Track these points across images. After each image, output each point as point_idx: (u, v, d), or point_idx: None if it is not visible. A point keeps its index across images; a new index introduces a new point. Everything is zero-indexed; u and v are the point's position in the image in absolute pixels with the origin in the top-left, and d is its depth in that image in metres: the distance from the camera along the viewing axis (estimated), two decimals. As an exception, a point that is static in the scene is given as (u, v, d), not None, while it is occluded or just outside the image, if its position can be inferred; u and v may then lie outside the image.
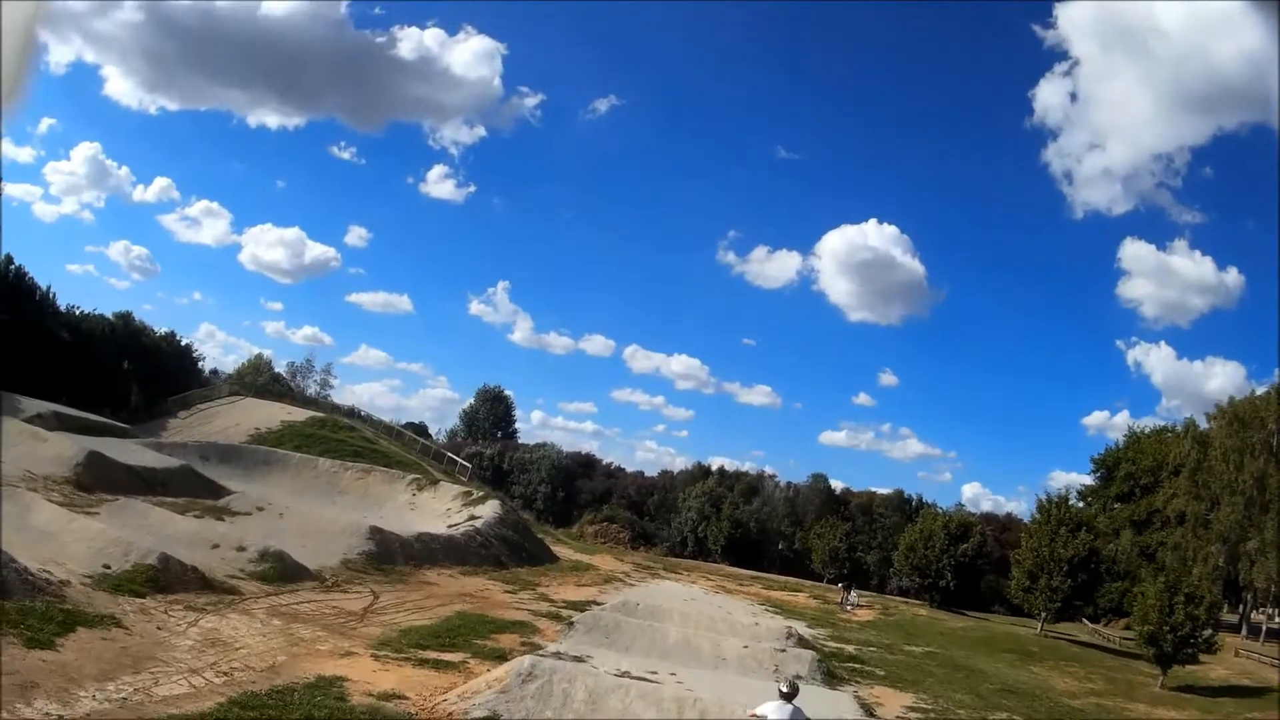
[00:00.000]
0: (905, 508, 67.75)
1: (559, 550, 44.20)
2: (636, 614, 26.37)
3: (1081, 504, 70.56)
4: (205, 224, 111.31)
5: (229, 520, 29.02)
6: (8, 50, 2.65)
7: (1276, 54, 2.86)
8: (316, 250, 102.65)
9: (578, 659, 18.15)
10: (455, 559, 32.95)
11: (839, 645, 29.21)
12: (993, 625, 42.40)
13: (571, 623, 23.43)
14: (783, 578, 53.98)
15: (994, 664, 31.59)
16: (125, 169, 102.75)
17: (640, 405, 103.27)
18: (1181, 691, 30.58)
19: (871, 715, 18.95)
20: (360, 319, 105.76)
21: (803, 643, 27.13)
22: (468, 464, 57.72)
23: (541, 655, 17.46)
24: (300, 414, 53.88)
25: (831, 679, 22.94)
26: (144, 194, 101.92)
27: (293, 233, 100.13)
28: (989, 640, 37.47)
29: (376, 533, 29.98)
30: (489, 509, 40.56)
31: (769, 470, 78.85)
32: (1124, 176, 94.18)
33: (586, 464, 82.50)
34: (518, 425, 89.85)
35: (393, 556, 29.57)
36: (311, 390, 72.92)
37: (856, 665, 26.13)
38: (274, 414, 53.29)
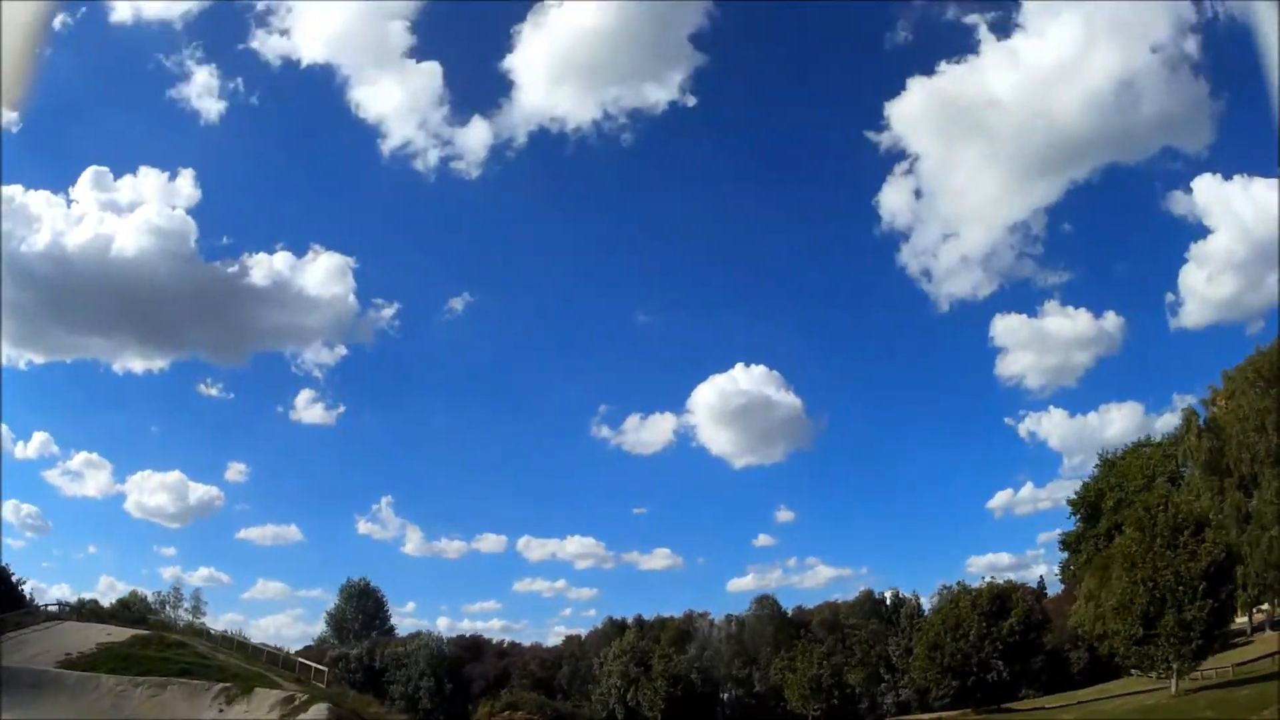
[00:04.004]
0: (881, 611, 54.32)
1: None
2: None
3: (1066, 554, 61.16)
4: (88, 476, 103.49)
5: None
6: (8, 50, 2.69)
7: (1277, 54, 2.69)
8: (199, 491, 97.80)
9: None
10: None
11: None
12: (1106, 704, 29.07)
13: None
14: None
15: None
16: (5, 426, 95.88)
17: (543, 593, 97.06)
18: None
19: None
20: (253, 554, 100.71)
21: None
22: (324, 668, 48.21)
23: None
24: (122, 634, 46.56)
25: None
26: (25, 450, 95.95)
27: (174, 476, 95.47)
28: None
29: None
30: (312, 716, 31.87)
31: (699, 610, 64.19)
32: (983, 257, 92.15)
33: (473, 647, 67.55)
34: (403, 623, 77.65)
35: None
36: (182, 620, 63.36)
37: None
38: (91, 636, 45.75)
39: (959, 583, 40.62)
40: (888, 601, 55.24)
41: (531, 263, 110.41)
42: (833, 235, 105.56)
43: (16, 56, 2.69)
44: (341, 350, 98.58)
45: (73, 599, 58.50)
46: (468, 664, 63.82)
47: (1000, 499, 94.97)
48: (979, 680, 34.60)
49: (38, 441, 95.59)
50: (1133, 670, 37.44)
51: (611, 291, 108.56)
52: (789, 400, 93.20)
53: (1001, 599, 36.41)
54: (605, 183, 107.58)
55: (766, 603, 59.98)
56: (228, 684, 36.96)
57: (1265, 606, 47.50)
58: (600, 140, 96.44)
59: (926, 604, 52.64)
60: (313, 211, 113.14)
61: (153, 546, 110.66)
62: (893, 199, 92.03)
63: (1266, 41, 3.04)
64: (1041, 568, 69.50)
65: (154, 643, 45.25)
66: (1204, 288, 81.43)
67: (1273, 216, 67.46)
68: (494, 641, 71.03)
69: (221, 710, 35.50)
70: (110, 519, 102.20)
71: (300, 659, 50.66)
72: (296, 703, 34.39)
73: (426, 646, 64.16)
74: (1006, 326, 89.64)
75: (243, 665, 44.56)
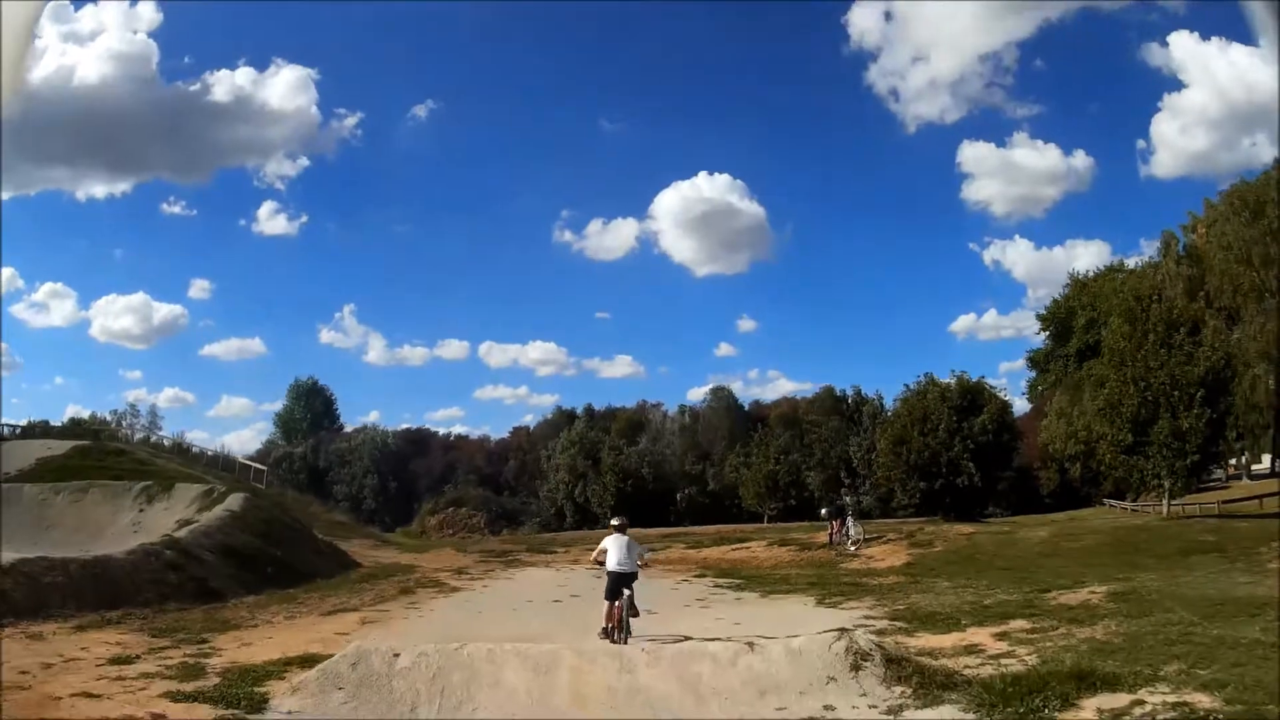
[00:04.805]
0: (842, 409, 52.04)
1: (379, 555, 32.59)
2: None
3: (1034, 372, 59.71)
4: (53, 306, 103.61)
5: None
6: (8, 50, 2.72)
7: (1277, 53, 2.69)
8: (163, 310, 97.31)
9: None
10: (102, 598, 17.87)
11: (959, 641, 12.54)
12: (1088, 521, 26.89)
13: None
14: (709, 528, 37.54)
15: (1222, 579, 15.80)
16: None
17: (505, 400, 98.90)
18: None
19: None
20: (217, 370, 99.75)
21: (891, 663, 9.66)
22: (264, 468, 47.42)
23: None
24: (61, 447, 44.40)
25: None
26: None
27: (138, 298, 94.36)
28: (1133, 543, 21.45)
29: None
30: (221, 508, 29.05)
31: (652, 400, 61.87)
32: (952, 83, 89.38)
33: (418, 440, 64.96)
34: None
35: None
36: (139, 436, 61.23)
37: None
38: (31, 452, 43.48)
39: (927, 374, 37.95)
40: (849, 400, 53.04)
41: (497, 70, 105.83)
42: (799, 50, 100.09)
43: (16, 56, 2.68)
44: (304, 161, 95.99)
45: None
46: (413, 459, 61.93)
47: (963, 322, 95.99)
48: (948, 484, 32.14)
49: (3, 277, 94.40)
50: (1106, 500, 35.61)
51: (577, 98, 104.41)
52: (752, 209, 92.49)
53: (972, 395, 33.62)
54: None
55: (722, 394, 57.75)
56: (148, 483, 34.71)
57: (1234, 462, 46.25)
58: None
59: (891, 407, 50.72)
60: (275, 26, 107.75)
61: (118, 370, 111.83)
62: (862, 19, 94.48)
63: (1266, 42, 2.86)
64: (1004, 395, 69.61)
65: (93, 453, 43.79)
66: (1177, 139, 79.01)
67: (1251, 83, 64.32)
68: (440, 434, 69.23)
69: (142, 510, 33.29)
70: (76, 347, 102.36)
71: (243, 461, 49.36)
72: (215, 495, 32.57)
73: (371, 441, 62.31)
74: (974, 154, 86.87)
75: (180, 469, 43.15)
